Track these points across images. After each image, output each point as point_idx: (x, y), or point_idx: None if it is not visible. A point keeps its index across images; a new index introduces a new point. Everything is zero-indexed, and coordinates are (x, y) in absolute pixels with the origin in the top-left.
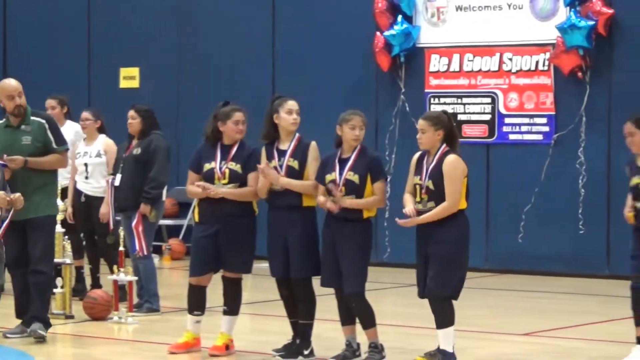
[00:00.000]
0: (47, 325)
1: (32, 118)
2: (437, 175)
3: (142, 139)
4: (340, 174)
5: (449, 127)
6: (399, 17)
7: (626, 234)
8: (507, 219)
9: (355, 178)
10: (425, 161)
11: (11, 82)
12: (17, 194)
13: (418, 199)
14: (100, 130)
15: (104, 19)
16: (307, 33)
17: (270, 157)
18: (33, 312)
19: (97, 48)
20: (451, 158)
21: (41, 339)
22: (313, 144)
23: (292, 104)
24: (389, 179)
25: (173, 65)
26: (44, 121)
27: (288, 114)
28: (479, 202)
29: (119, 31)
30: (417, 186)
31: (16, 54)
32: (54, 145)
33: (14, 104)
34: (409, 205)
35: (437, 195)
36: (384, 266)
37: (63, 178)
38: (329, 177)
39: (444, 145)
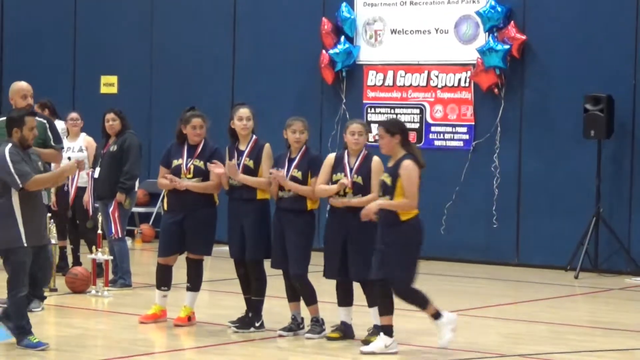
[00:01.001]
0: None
1: (36, 118)
2: (364, 172)
3: (118, 137)
4: (288, 171)
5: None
6: (342, 38)
7: (533, 229)
8: (432, 214)
9: (298, 174)
10: (345, 161)
11: (24, 83)
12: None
13: (342, 192)
14: (81, 129)
15: (87, 32)
16: (263, 49)
17: (231, 156)
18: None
19: (81, 58)
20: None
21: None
22: (267, 145)
23: (242, 112)
24: None
25: (146, 74)
26: (44, 121)
27: (239, 121)
28: None
29: (100, 43)
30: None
31: (10, 62)
32: (52, 143)
33: (26, 102)
34: (343, 181)
35: (362, 190)
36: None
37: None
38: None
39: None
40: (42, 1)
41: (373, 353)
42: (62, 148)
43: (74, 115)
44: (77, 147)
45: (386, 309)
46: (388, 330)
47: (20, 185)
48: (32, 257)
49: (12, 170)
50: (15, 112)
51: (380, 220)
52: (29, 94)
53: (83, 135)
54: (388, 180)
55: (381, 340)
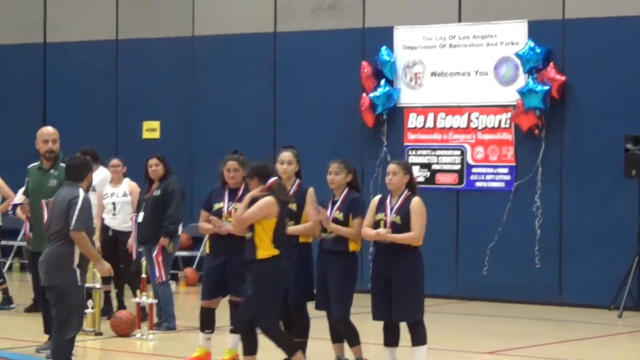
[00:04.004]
0: None
1: (61, 164)
2: (403, 212)
3: (161, 182)
4: (330, 213)
5: (412, 174)
6: (382, 81)
7: (575, 268)
8: (474, 255)
9: (340, 216)
10: (387, 202)
11: (48, 129)
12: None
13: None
14: (125, 174)
15: (128, 81)
16: (304, 94)
17: None
18: None
19: (123, 104)
20: (417, 198)
21: None
22: (310, 190)
23: (283, 156)
24: None
25: (188, 119)
26: None
27: (280, 164)
28: (450, 240)
29: (142, 89)
30: (382, 221)
31: (53, 112)
32: None
33: (47, 147)
34: (379, 230)
35: (401, 229)
36: (368, 293)
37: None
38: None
39: (407, 189)
40: (85, 48)
41: None
42: None
43: (115, 161)
44: (122, 192)
45: None
46: None
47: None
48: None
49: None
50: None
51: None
52: (50, 139)
53: (127, 180)
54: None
55: None
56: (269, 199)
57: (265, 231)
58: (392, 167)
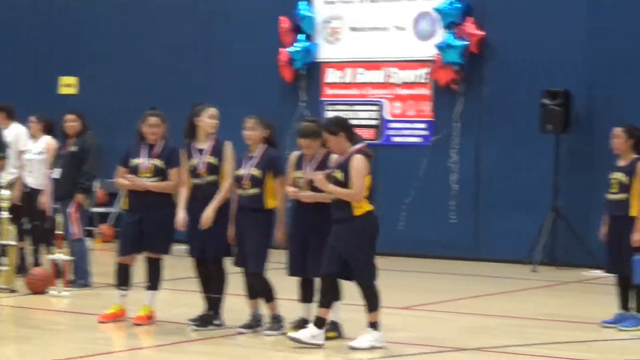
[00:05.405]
0: None
1: None
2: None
3: (78, 138)
4: (248, 169)
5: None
6: (301, 36)
7: (491, 224)
8: (390, 210)
9: (257, 173)
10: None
11: None
12: None
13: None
14: (46, 130)
15: (46, 36)
16: (222, 47)
17: (190, 156)
18: None
19: (40, 59)
20: (356, 156)
21: None
22: (228, 143)
23: (213, 111)
24: None
25: (107, 75)
26: None
27: (210, 119)
28: None
29: (59, 43)
30: (298, 179)
31: None
32: None
33: None
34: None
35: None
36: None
37: (8, 173)
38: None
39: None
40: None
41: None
42: (2, 157)
43: (31, 118)
44: (37, 149)
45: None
46: (375, 326)
47: None
48: None
49: None
50: None
51: (333, 216)
52: None
53: (45, 137)
54: (340, 176)
55: (370, 335)
56: (362, 157)
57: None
58: (302, 141)
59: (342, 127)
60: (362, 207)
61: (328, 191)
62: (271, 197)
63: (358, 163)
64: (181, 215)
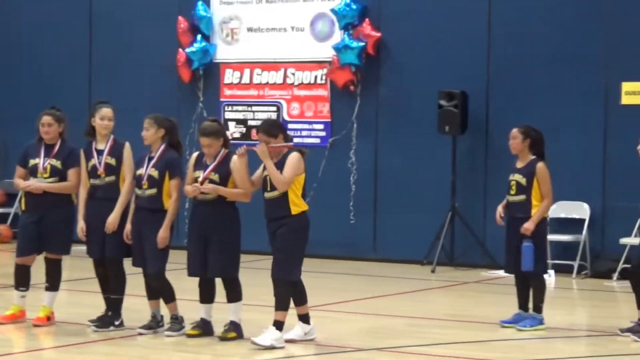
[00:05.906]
0: None
1: None
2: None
3: None
4: (146, 169)
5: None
6: (199, 36)
7: (390, 224)
8: None
9: (155, 174)
10: (203, 160)
11: None
12: None
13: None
14: None
15: None
16: (120, 48)
17: (89, 156)
18: None
19: None
20: (293, 153)
21: None
22: (127, 144)
23: (104, 111)
24: None
25: (1, 72)
26: None
27: (101, 120)
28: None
29: None
30: (199, 179)
31: None
32: None
33: None
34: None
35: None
36: (184, 249)
37: None
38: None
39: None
40: None
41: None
42: None
43: None
44: None
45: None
46: (279, 326)
47: None
48: None
49: None
50: None
51: (269, 215)
52: None
53: None
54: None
55: (272, 334)
56: (298, 155)
57: (297, 187)
58: (204, 140)
59: (280, 129)
60: (299, 207)
61: (267, 164)
62: (169, 197)
63: (295, 158)
64: (81, 225)
